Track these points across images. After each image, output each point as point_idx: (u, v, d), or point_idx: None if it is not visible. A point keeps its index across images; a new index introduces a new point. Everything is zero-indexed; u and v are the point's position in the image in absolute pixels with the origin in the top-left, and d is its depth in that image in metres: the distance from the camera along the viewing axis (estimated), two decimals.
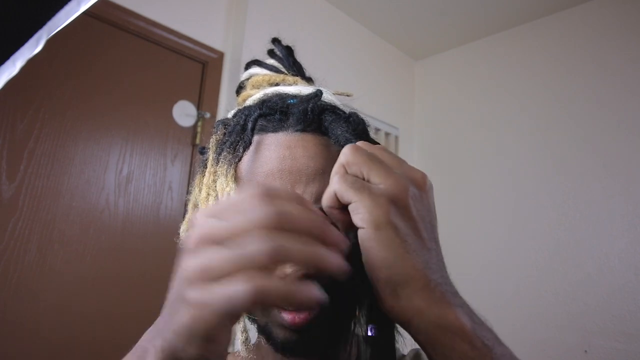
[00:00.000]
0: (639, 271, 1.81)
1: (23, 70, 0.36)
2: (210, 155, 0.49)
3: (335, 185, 0.35)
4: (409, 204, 0.34)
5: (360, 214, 0.33)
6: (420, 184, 0.36)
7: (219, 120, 0.53)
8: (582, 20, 2.16)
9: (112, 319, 1.42)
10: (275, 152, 0.45)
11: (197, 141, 1.70)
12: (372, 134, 0.51)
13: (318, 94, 0.49)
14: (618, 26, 2.04)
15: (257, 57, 0.59)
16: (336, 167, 0.36)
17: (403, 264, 0.32)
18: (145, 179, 1.56)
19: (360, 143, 0.38)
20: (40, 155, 1.33)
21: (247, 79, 0.57)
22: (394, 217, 0.33)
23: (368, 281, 0.34)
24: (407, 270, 0.32)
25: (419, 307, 0.32)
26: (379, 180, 0.34)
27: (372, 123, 2.37)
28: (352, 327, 0.45)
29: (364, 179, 0.35)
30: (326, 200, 0.36)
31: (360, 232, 0.33)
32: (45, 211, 1.33)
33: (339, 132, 0.47)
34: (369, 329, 0.36)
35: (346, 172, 0.35)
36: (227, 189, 0.45)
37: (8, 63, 0.35)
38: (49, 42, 0.37)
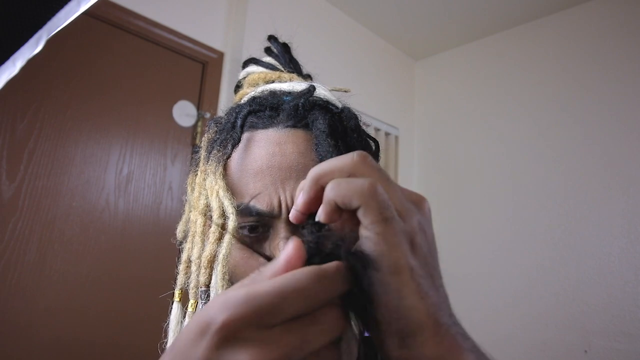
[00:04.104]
0: (639, 271, 1.81)
1: (23, 70, 0.36)
2: (202, 154, 0.50)
3: (368, 199, 0.28)
4: (420, 239, 0.30)
5: (377, 252, 0.28)
6: (424, 211, 0.32)
7: (211, 119, 0.53)
8: (582, 20, 2.16)
9: (111, 319, 1.41)
10: (265, 148, 0.44)
11: (197, 141, 1.70)
12: (371, 134, 0.51)
13: (310, 89, 0.48)
14: (618, 26, 2.04)
15: (256, 57, 0.59)
16: (340, 171, 0.30)
17: (418, 311, 0.28)
18: (145, 179, 1.56)
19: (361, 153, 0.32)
20: (40, 155, 1.33)
21: (244, 77, 0.58)
22: (410, 257, 0.28)
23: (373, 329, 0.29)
24: (421, 318, 0.28)
25: (430, 357, 0.28)
26: (397, 210, 0.29)
27: (372, 123, 2.36)
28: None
29: None
30: (339, 197, 0.29)
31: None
32: (45, 211, 1.33)
33: (320, 127, 0.45)
34: None
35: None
36: (216, 187, 0.44)
37: (8, 63, 0.35)
38: (49, 42, 0.37)
